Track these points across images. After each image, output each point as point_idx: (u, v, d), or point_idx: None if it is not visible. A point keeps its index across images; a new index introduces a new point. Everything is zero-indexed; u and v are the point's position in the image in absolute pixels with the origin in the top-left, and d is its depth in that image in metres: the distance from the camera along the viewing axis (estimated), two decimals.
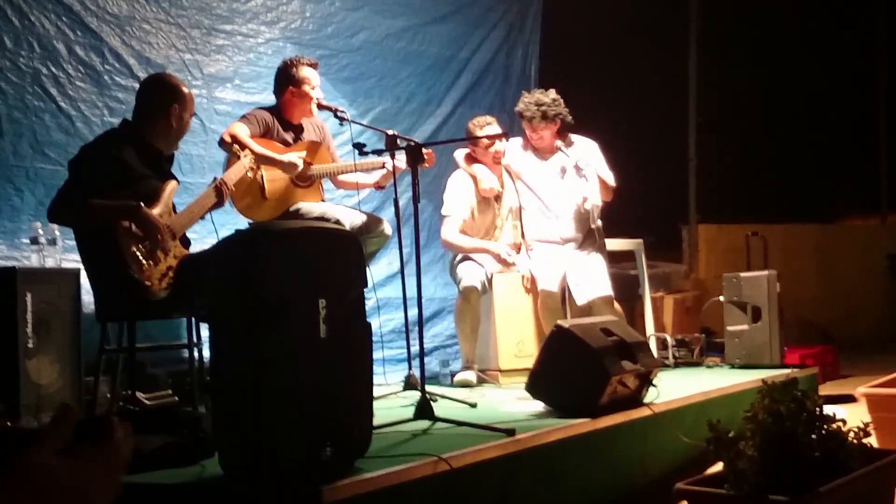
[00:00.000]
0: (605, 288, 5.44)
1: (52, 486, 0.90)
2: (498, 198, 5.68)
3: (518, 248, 5.70)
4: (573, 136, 5.72)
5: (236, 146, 4.65)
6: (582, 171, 5.49)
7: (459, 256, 5.59)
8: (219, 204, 4.38)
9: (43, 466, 0.90)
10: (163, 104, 4.22)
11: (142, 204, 3.96)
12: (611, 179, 5.60)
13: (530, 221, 5.69)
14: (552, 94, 5.59)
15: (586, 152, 5.62)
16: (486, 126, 5.61)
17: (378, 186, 5.21)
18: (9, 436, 0.92)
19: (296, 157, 4.84)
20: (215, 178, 4.43)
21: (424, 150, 4.59)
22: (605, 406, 3.85)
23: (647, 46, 9.19)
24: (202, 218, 4.35)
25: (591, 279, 5.43)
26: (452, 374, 5.53)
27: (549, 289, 5.41)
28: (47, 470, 0.91)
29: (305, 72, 4.99)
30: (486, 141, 5.56)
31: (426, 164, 5.04)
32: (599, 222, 5.61)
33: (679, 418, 4.26)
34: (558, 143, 5.60)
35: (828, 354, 7.10)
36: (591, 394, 3.82)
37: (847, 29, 10.53)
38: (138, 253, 3.90)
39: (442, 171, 5.90)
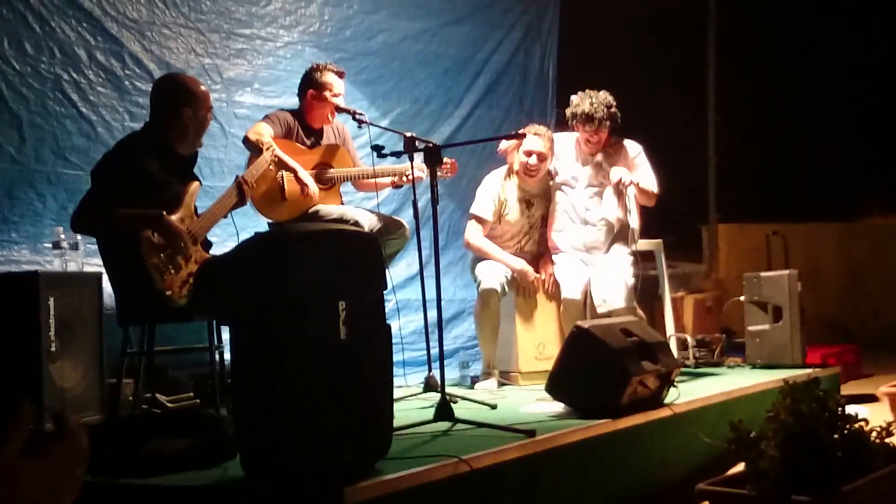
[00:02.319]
0: (623, 298, 5.23)
1: (19, 483, 0.92)
2: (531, 204, 5.63)
3: (542, 255, 5.67)
4: (621, 141, 5.54)
5: (258, 141, 4.66)
6: (625, 194, 5.32)
7: (478, 256, 5.57)
8: (240, 203, 4.38)
9: (9, 464, 0.92)
10: (174, 108, 4.18)
11: (164, 213, 3.96)
12: (654, 186, 5.45)
13: (559, 223, 5.57)
14: (606, 94, 5.40)
15: (630, 162, 5.45)
16: (531, 136, 5.42)
17: (395, 185, 5.22)
18: None
19: (313, 182, 4.82)
20: (237, 177, 4.43)
21: (447, 160, 4.58)
22: (626, 407, 3.85)
23: (666, 45, 9.17)
24: (224, 217, 4.36)
25: (614, 288, 5.29)
26: (473, 378, 5.53)
27: (571, 297, 5.37)
28: (14, 468, 0.93)
29: (329, 77, 5.00)
30: (514, 149, 5.48)
31: (449, 174, 5.05)
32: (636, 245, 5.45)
33: (700, 419, 4.25)
34: (599, 158, 5.46)
35: (849, 354, 7.05)
36: (612, 394, 3.82)
37: (869, 25, 10.45)
38: (160, 263, 3.91)
39: (461, 172, 5.88)
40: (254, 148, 4.75)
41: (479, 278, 5.41)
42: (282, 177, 4.80)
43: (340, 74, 5.06)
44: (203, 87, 4.33)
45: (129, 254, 3.88)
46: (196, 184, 4.25)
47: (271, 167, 4.63)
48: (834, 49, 10.28)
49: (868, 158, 10.65)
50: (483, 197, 5.58)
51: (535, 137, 5.43)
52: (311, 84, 5.01)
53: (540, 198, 5.64)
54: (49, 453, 0.96)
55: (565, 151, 5.59)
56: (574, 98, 5.44)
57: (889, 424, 3.30)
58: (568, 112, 5.46)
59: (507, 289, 5.40)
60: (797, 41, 10.18)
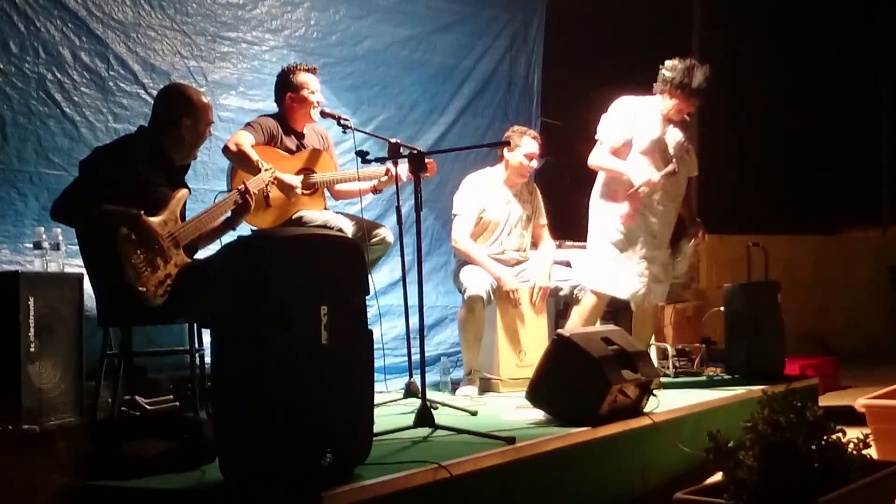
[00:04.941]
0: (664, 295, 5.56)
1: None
2: (510, 200, 5.65)
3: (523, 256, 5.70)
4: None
5: (258, 161, 4.64)
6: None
7: (462, 262, 5.58)
8: (244, 209, 4.34)
9: None
10: (174, 116, 4.19)
11: (142, 213, 3.95)
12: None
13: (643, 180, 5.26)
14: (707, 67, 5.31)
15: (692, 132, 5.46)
16: (525, 137, 5.60)
17: (375, 190, 5.21)
18: None
19: (296, 180, 4.83)
20: (241, 187, 4.39)
21: (426, 159, 4.59)
22: (605, 415, 3.87)
23: (650, 58, 9.20)
24: (215, 233, 4.33)
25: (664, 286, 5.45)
26: (454, 383, 5.53)
27: (624, 297, 5.40)
28: None
29: (303, 77, 5.01)
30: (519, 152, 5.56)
31: (428, 174, 5.06)
32: None
33: (679, 428, 4.27)
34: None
35: (828, 365, 7.09)
36: (592, 403, 3.84)
37: (849, 40, 10.54)
38: (136, 260, 3.90)
39: (445, 179, 5.91)
40: (235, 159, 4.74)
41: (465, 285, 5.42)
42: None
43: (313, 71, 5.08)
44: (206, 100, 4.30)
45: (107, 249, 3.87)
46: (184, 191, 4.24)
47: (268, 188, 4.57)
48: (816, 63, 10.35)
49: (848, 172, 10.73)
50: (464, 195, 5.63)
51: (533, 141, 5.62)
52: (287, 87, 5.02)
53: (520, 195, 5.70)
54: (26, 457, 0.97)
55: (650, 116, 5.33)
56: (678, 64, 5.21)
57: (866, 436, 3.32)
58: (668, 75, 5.19)
59: (492, 297, 5.42)
60: (779, 55, 10.25)
